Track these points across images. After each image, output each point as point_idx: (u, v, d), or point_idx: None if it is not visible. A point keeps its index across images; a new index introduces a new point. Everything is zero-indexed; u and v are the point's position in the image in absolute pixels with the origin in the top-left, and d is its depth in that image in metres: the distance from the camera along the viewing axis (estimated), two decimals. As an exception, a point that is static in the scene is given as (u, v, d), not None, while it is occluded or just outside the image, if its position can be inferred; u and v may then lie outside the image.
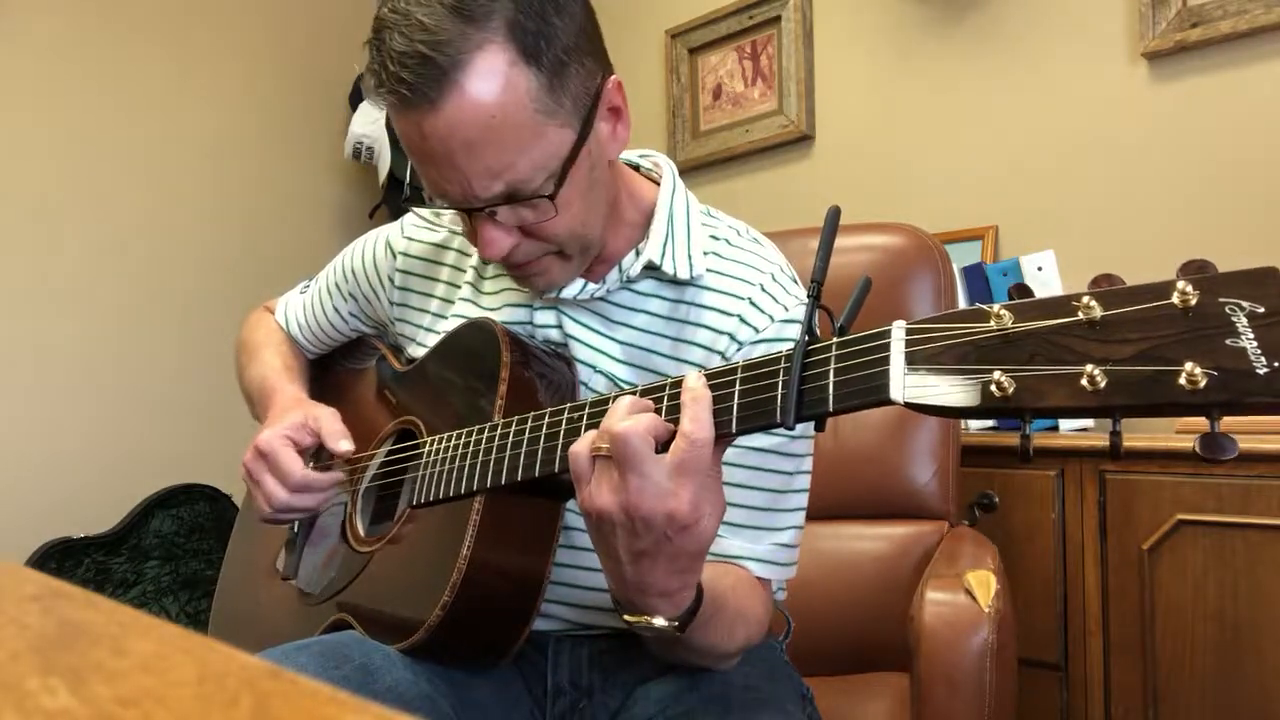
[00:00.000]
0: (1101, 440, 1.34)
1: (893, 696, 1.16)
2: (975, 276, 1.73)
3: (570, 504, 0.85)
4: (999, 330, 0.51)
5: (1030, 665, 1.39)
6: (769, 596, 0.86)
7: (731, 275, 0.88)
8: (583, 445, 0.66)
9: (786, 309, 0.86)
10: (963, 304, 1.69)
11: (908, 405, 0.54)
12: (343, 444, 0.92)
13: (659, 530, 0.62)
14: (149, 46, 2.33)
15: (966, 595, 1.01)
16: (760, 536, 0.84)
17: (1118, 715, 1.36)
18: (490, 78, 0.72)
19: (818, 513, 1.02)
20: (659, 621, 0.68)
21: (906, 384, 0.54)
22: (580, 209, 0.80)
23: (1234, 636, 1.26)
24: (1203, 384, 0.45)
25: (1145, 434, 1.37)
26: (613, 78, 0.81)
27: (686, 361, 0.87)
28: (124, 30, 2.29)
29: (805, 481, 0.88)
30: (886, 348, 0.55)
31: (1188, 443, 1.26)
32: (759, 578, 0.84)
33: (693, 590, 0.69)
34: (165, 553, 2.16)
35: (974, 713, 0.97)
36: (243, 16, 2.51)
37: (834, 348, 0.59)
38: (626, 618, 0.69)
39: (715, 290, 0.88)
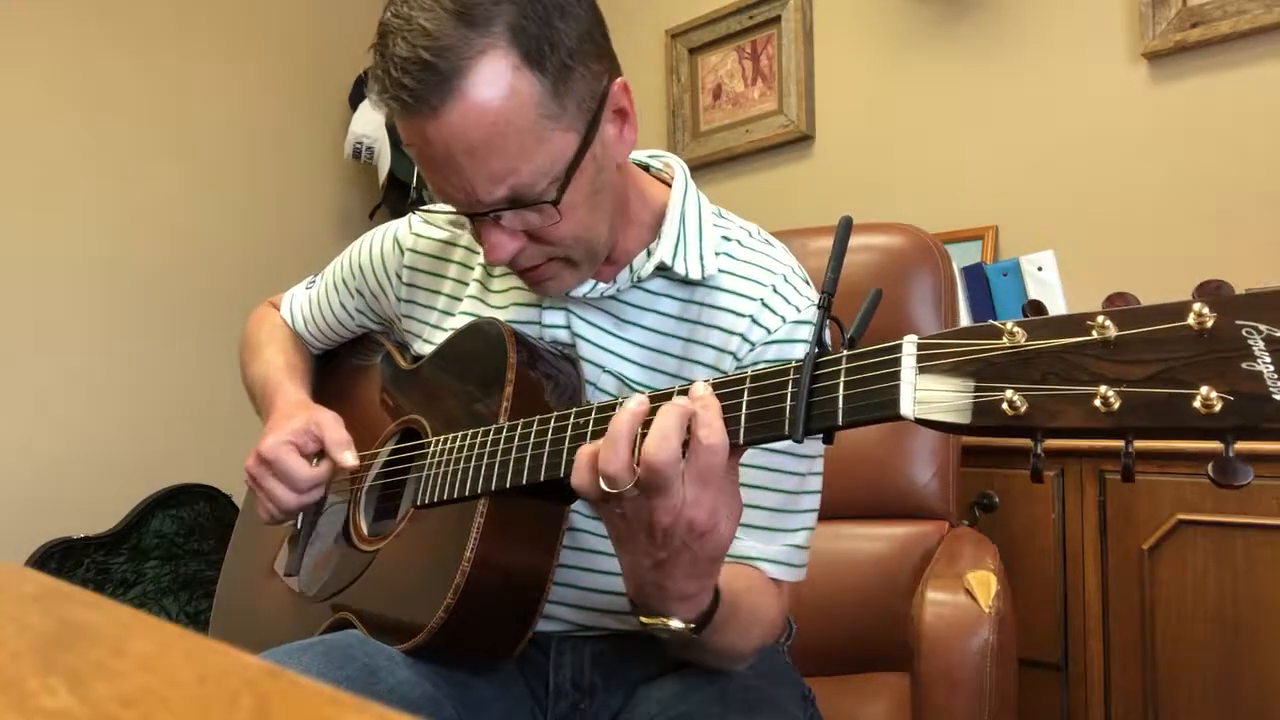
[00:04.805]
0: (1101, 440, 1.34)
1: (893, 696, 1.16)
2: (975, 276, 1.73)
3: (576, 505, 0.85)
4: (1012, 348, 0.50)
5: (1030, 665, 1.38)
6: (784, 598, 0.86)
7: (744, 276, 0.88)
8: (587, 462, 0.64)
9: (799, 310, 0.86)
10: (963, 304, 1.69)
11: (918, 421, 0.53)
12: (347, 456, 0.91)
13: (679, 539, 0.63)
14: (149, 46, 2.33)
15: (966, 595, 1.01)
16: (773, 538, 0.84)
17: (1118, 715, 1.36)
18: (493, 84, 0.71)
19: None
20: (675, 624, 0.68)
21: (917, 400, 0.53)
22: (585, 213, 0.80)
23: (1234, 636, 1.26)
24: (1217, 408, 0.44)
25: (1145, 434, 1.37)
26: (619, 80, 0.80)
27: (697, 362, 0.87)
28: (124, 30, 2.28)
29: (817, 483, 0.88)
30: (898, 363, 0.54)
31: (1188, 443, 1.26)
32: (773, 579, 0.84)
33: (710, 593, 0.69)
34: (165, 553, 2.15)
35: (974, 713, 0.97)
36: (243, 16, 2.51)
37: (844, 360, 0.58)
38: (643, 619, 0.69)
39: (727, 291, 0.87)
